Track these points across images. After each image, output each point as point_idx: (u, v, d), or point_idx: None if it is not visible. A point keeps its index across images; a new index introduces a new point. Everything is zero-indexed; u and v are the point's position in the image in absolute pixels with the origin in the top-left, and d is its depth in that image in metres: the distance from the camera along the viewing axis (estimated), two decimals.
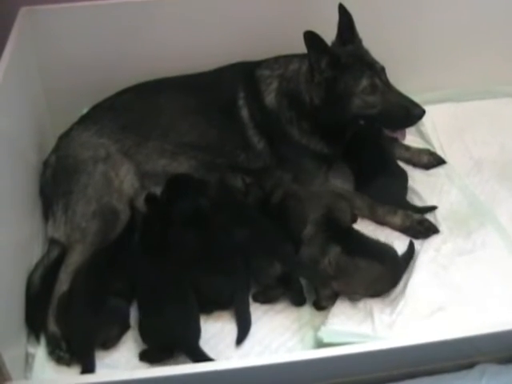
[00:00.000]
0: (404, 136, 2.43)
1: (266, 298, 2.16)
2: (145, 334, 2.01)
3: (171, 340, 1.96)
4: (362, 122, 2.38)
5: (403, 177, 2.57)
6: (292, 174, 2.50)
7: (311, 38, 2.24)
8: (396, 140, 2.45)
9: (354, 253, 2.11)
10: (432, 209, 2.44)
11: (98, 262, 2.16)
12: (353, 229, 2.28)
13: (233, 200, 2.38)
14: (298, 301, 2.15)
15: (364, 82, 2.30)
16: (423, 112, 2.31)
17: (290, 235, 2.25)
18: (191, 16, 2.66)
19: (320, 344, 2.00)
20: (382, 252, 2.17)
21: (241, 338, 2.05)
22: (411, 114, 2.31)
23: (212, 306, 2.14)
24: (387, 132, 2.41)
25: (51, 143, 2.50)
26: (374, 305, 2.12)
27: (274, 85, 2.50)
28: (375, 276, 2.12)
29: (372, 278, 2.13)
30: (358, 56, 2.36)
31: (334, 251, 2.13)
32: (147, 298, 2.07)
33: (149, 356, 1.99)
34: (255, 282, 2.18)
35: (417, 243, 2.33)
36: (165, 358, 1.97)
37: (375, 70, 2.34)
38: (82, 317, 2.00)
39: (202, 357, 1.93)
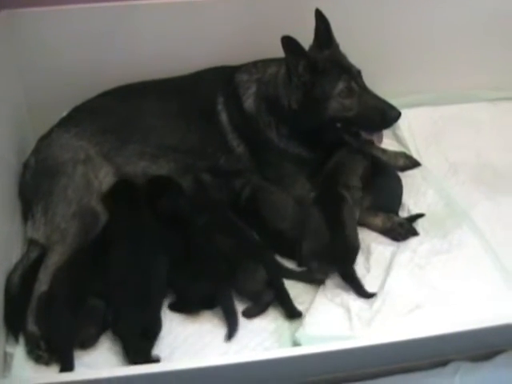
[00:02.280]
0: (381, 139, 2.45)
1: (259, 308, 2.15)
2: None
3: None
4: (338, 125, 2.40)
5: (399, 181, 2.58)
6: (273, 178, 2.52)
7: (288, 42, 2.27)
8: (373, 143, 2.47)
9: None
10: (419, 216, 2.45)
11: (78, 263, 2.17)
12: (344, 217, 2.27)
13: (211, 199, 2.40)
14: (292, 314, 2.14)
15: (340, 85, 2.33)
16: (399, 114, 2.34)
17: (265, 227, 2.29)
18: (173, 20, 2.68)
19: (297, 346, 2.03)
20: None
21: (231, 333, 2.07)
22: (387, 116, 2.34)
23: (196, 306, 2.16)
24: (364, 135, 2.43)
25: (31, 145, 2.50)
26: (352, 302, 2.14)
27: (253, 89, 2.52)
28: None
29: None
30: (335, 60, 2.39)
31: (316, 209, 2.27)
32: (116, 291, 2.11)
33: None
34: (242, 292, 2.17)
35: (394, 244, 2.36)
36: None
37: (352, 74, 2.37)
38: (61, 316, 2.01)
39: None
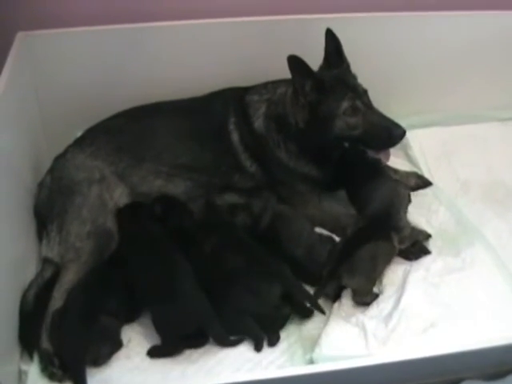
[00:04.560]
0: (387, 157, 2.45)
1: (277, 323, 2.15)
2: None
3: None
4: (346, 144, 2.41)
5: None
6: (285, 197, 2.53)
7: (294, 61, 2.29)
8: (379, 161, 2.46)
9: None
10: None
11: (93, 281, 2.18)
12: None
13: (221, 221, 2.40)
14: (304, 313, 2.18)
15: (345, 104, 2.33)
16: (404, 132, 2.34)
17: (284, 257, 2.28)
18: (185, 42, 2.72)
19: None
20: None
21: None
22: (392, 134, 2.34)
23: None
24: (370, 153, 2.42)
25: (47, 165, 2.52)
26: (367, 321, 2.15)
27: (262, 109, 2.54)
28: None
29: None
30: (341, 79, 2.40)
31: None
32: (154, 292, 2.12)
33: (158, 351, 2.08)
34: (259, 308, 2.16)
35: (406, 263, 2.35)
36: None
37: (357, 93, 2.37)
38: (73, 333, 2.02)
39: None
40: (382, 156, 2.43)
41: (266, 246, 2.32)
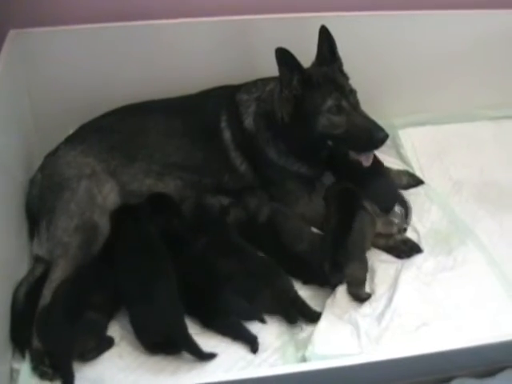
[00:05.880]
0: (369, 160, 2.42)
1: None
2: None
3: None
4: (329, 143, 2.41)
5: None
6: (276, 195, 2.53)
7: (282, 54, 2.29)
8: (360, 164, 2.42)
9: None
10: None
11: (80, 276, 2.17)
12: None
13: (211, 220, 2.41)
14: (292, 319, 2.17)
15: (329, 102, 2.33)
16: (386, 136, 2.32)
17: (284, 251, 2.29)
18: (178, 40, 2.71)
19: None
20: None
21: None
22: (374, 137, 2.32)
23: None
24: (352, 155, 2.41)
25: (38, 162, 2.52)
26: (360, 318, 2.15)
27: (252, 107, 2.54)
28: None
29: None
30: (330, 77, 2.39)
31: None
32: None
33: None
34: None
35: (398, 261, 2.36)
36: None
37: (343, 92, 2.37)
38: (58, 328, 2.02)
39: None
40: (363, 158, 2.41)
41: (266, 242, 2.34)
